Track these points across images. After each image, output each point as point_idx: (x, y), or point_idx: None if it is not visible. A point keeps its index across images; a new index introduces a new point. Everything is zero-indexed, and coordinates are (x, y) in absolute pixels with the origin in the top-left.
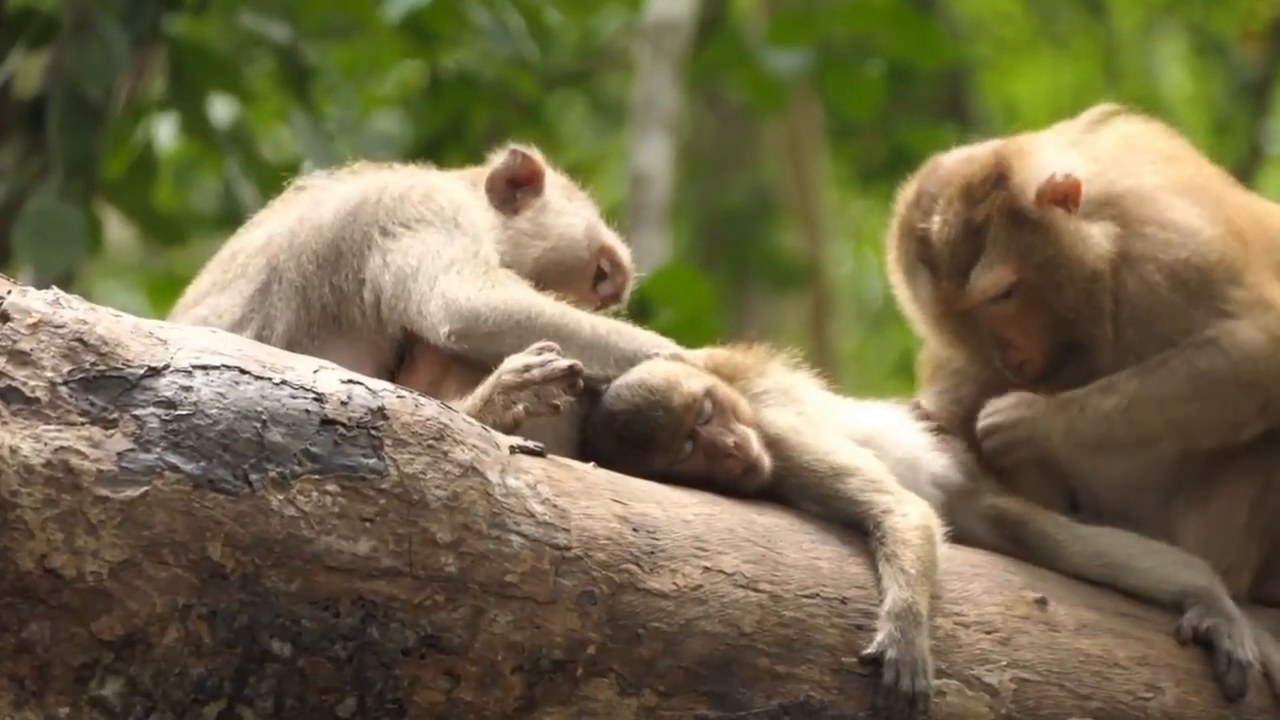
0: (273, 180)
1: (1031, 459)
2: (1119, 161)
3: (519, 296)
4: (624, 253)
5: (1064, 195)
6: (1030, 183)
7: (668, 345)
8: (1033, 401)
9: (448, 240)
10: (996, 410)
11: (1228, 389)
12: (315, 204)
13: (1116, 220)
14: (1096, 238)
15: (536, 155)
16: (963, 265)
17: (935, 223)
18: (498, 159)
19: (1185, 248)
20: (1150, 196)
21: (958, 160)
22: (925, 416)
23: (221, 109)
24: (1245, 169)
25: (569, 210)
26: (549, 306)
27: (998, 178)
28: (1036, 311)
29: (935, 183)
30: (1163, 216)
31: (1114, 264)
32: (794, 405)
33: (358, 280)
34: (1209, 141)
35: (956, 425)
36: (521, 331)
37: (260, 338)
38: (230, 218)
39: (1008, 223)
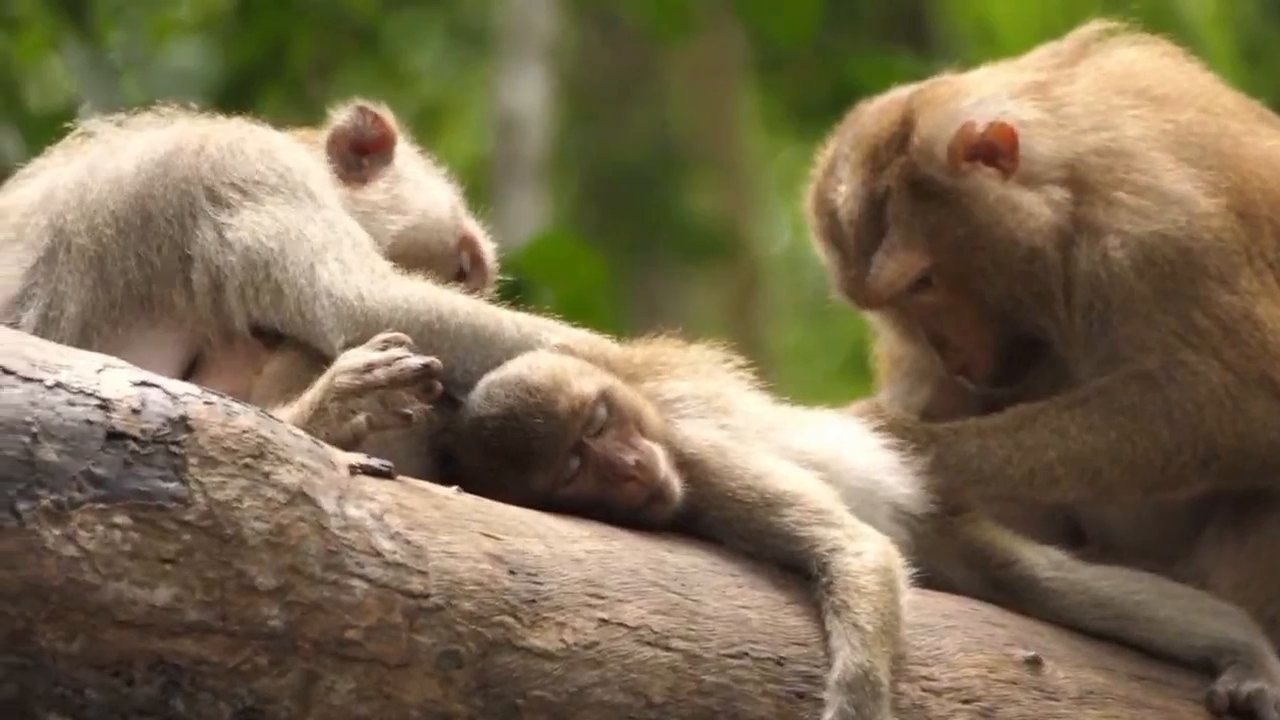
0: (42, 130)
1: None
2: (1092, 107)
3: (421, 292)
4: (488, 248)
5: (989, 150)
6: (937, 140)
7: (567, 333)
8: (915, 433)
9: (304, 216)
10: None
11: (1158, 433)
12: (111, 152)
13: (1073, 184)
14: (1031, 205)
15: (388, 116)
16: (867, 249)
17: (842, 194)
18: (340, 117)
19: (1165, 219)
20: (1126, 152)
21: (875, 110)
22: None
23: None
24: None
25: (428, 184)
26: (461, 302)
27: (901, 137)
28: (967, 302)
29: (849, 140)
30: (1139, 179)
31: (1064, 236)
32: (718, 416)
33: (179, 256)
34: (1237, 72)
35: None
36: (433, 337)
37: (47, 320)
38: None
39: (909, 195)
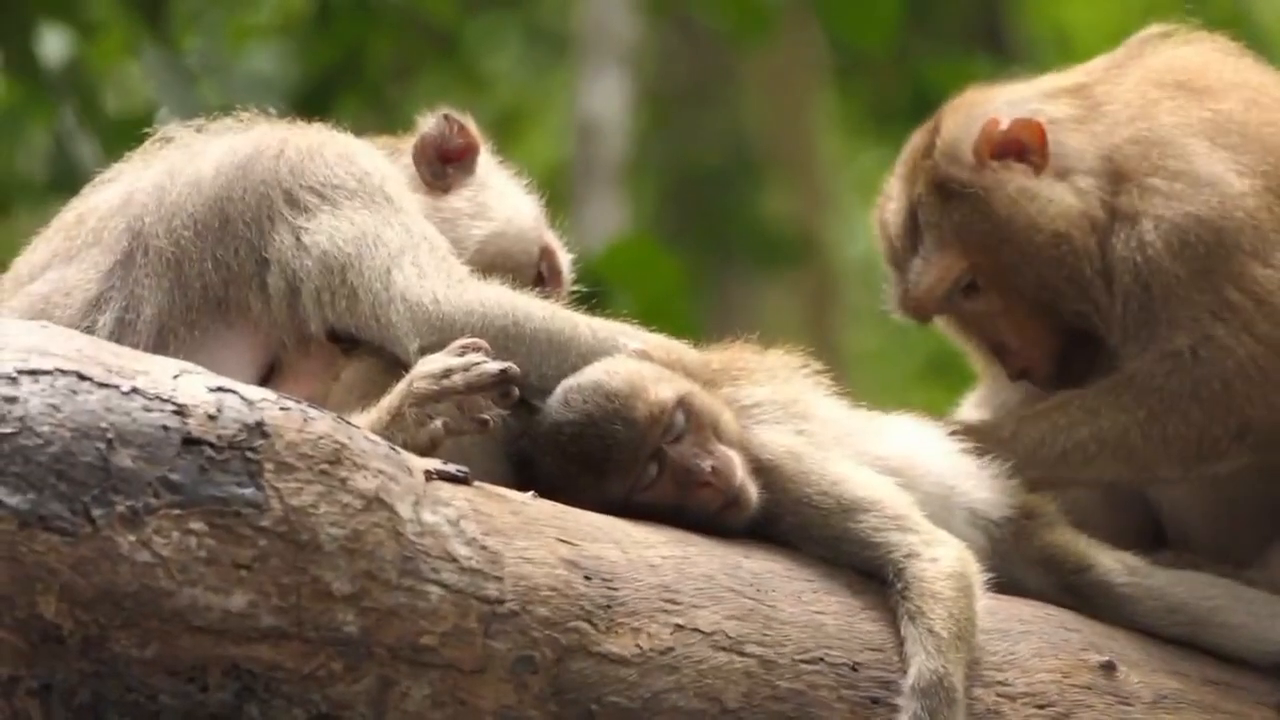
0: (119, 135)
1: None
2: (1130, 102)
3: (497, 296)
4: (565, 260)
5: (1018, 147)
6: (961, 140)
7: (643, 337)
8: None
9: (381, 220)
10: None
11: (1188, 411)
12: (190, 156)
13: (1109, 175)
14: (1052, 193)
15: (472, 125)
16: (909, 258)
17: (890, 210)
18: (426, 125)
19: (1197, 201)
20: (1160, 140)
21: (923, 125)
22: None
23: (53, 44)
24: None
25: (512, 193)
26: (537, 307)
27: (929, 144)
28: (1015, 303)
29: (901, 157)
30: (1172, 165)
31: (1097, 224)
32: (795, 422)
33: (255, 259)
34: None
35: None
36: (509, 341)
37: (123, 323)
38: (64, 182)
39: (936, 198)
